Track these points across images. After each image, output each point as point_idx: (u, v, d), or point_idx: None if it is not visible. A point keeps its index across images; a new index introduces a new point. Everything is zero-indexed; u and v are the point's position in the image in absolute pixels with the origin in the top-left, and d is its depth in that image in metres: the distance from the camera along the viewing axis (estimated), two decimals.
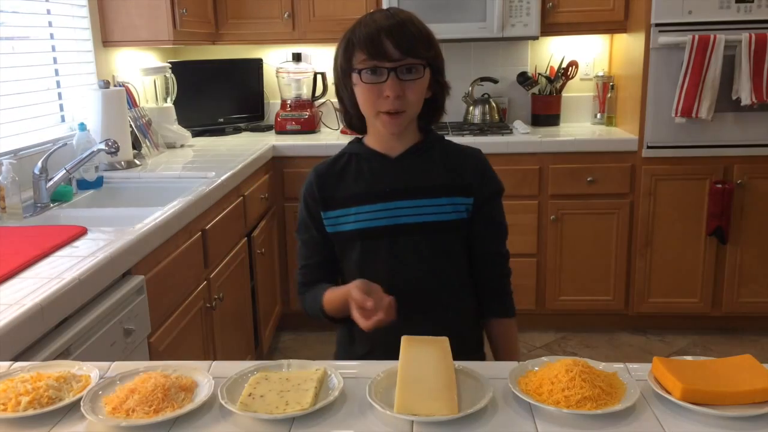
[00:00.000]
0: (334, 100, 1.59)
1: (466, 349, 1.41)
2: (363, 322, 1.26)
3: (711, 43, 2.95)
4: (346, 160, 1.46)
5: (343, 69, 1.37)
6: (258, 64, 3.80)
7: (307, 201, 1.47)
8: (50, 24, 2.63)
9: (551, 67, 3.69)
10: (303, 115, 3.60)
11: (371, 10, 1.54)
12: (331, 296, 1.41)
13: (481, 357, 1.57)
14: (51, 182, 2.19)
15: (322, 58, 3.73)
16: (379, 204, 1.40)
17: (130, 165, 2.71)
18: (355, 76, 1.35)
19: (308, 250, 1.49)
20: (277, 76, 3.71)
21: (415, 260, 1.40)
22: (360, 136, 1.49)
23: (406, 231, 1.39)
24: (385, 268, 1.40)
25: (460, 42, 3.63)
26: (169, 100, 3.36)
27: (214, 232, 2.33)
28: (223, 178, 2.45)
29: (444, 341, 1.08)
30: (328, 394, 0.97)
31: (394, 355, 1.08)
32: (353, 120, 1.44)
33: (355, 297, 1.26)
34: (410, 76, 1.32)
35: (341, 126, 3.56)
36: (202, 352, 2.24)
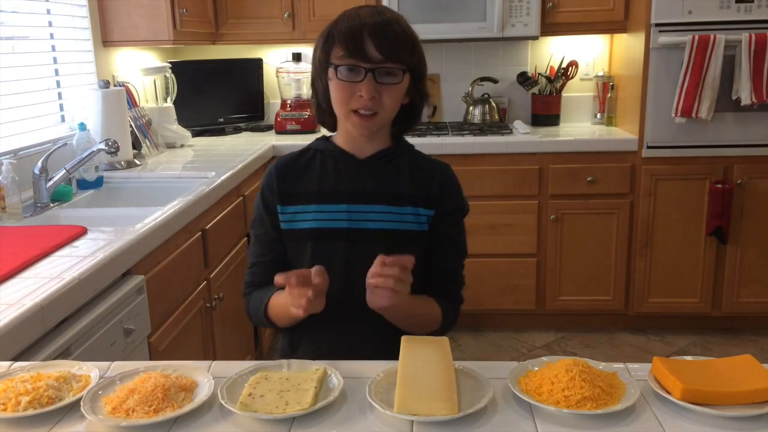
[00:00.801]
0: None
1: None
2: (296, 310, 1.18)
3: (711, 43, 2.95)
4: (311, 156, 1.40)
5: (321, 61, 1.31)
6: (258, 64, 3.80)
7: (264, 194, 1.40)
8: (50, 24, 2.63)
9: (551, 67, 3.69)
10: (303, 115, 3.60)
11: None
12: (277, 300, 1.34)
13: None
14: (51, 182, 2.19)
15: None
16: (340, 205, 1.34)
17: (130, 165, 2.71)
18: (331, 71, 1.29)
19: (261, 247, 1.42)
20: (277, 76, 3.71)
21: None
22: (329, 135, 1.43)
23: (364, 236, 1.33)
24: (340, 272, 1.31)
25: (460, 42, 3.63)
26: (169, 100, 3.36)
27: (214, 232, 2.33)
28: (223, 178, 2.45)
29: (444, 341, 1.08)
30: (328, 394, 0.97)
31: (341, 359, 1.06)
32: (325, 116, 1.38)
33: (276, 280, 1.17)
34: (388, 79, 1.27)
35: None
36: (202, 352, 2.24)
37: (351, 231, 1.34)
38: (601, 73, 3.66)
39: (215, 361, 1.10)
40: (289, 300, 1.19)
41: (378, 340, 1.28)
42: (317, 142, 1.43)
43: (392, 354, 1.07)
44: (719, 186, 3.11)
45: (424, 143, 3.15)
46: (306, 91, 3.67)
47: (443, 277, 1.41)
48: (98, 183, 2.47)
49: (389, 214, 1.34)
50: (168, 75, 3.35)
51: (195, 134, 3.51)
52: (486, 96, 3.68)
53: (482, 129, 3.43)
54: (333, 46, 1.28)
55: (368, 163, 1.37)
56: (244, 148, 3.14)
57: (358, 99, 1.27)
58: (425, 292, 1.38)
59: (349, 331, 1.34)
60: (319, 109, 1.39)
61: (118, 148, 2.33)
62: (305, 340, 1.40)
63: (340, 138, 1.40)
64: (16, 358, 1.20)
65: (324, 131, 1.46)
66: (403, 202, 1.35)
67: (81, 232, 1.73)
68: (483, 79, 3.65)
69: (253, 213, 1.45)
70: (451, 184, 1.41)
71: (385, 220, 1.34)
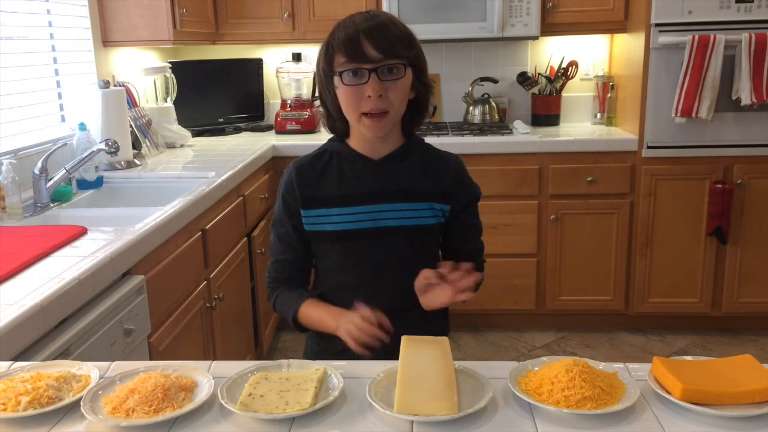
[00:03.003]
0: None
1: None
2: (351, 342, 1.28)
3: (711, 43, 2.95)
4: (327, 159, 1.46)
5: (325, 73, 1.36)
6: (258, 64, 3.80)
7: (285, 198, 1.45)
8: (50, 24, 2.63)
9: (551, 67, 3.69)
10: (303, 115, 3.60)
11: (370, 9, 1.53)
12: (310, 311, 1.42)
13: None
14: (51, 182, 2.19)
15: None
16: (361, 206, 1.40)
17: (130, 165, 2.71)
18: (336, 79, 1.34)
19: (283, 245, 1.48)
20: (277, 76, 3.71)
21: (395, 262, 1.41)
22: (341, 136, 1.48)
23: (387, 234, 1.40)
24: (366, 270, 1.42)
25: (460, 42, 3.63)
26: (169, 100, 3.36)
27: (214, 232, 2.33)
28: (223, 178, 2.45)
29: (444, 341, 1.08)
30: (328, 394, 0.97)
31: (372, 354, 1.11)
32: (336, 124, 1.44)
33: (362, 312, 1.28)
34: (391, 76, 1.32)
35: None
36: (202, 352, 2.24)
37: (374, 230, 1.41)
38: (601, 73, 3.66)
39: (215, 361, 1.10)
40: (348, 326, 1.28)
41: (406, 331, 1.30)
42: (332, 144, 1.48)
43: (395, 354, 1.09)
44: (719, 186, 3.11)
45: None
46: (306, 92, 3.67)
47: (469, 253, 1.51)
48: (98, 183, 2.47)
49: (408, 211, 1.41)
50: (168, 75, 3.35)
51: (195, 134, 3.51)
52: (486, 96, 3.68)
53: (482, 129, 3.43)
54: (334, 55, 1.33)
55: (383, 164, 1.43)
56: (244, 148, 3.14)
57: (366, 101, 1.32)
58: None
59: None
60: (330, 118, 1.44)
61: (118, 148, 2.33)
62: (334, 337, 1.41)
63: (354, 141, 1.45)
64: (16, 358, 1.20)
65: (324, 130, 1.49)
66: (420, 198, 1.42)
67: (81, 232, 1.73)
68: (483, 79, 3.65)
69: (274, 213, 1.50)
70: (463, 176, 1.49)
71: (405, 217, 1.41)
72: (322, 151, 1.48)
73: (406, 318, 1.36)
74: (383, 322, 1.27)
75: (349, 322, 1.29)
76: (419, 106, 1.43)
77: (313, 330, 1.46)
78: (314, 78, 3.66)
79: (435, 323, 1.49)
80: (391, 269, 1.41)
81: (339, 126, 1.44)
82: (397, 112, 1.37)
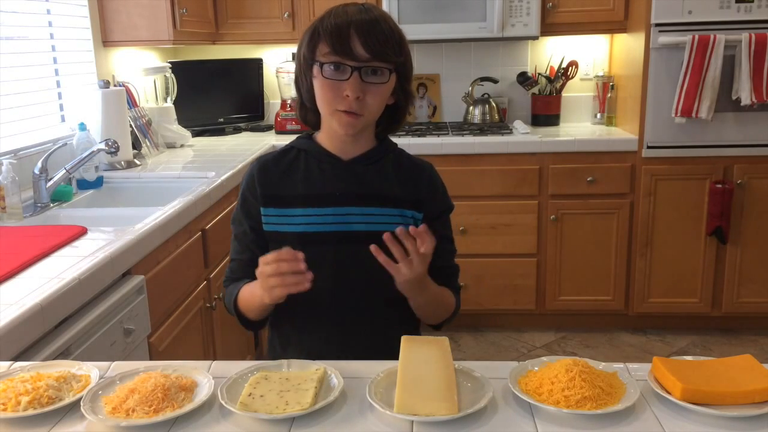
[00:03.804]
0: None
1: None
2: (274, 290, 1.16)
3: (711, 43, 2.94)
4: (294, 156, 1.37)
5: (306, 58, 1.28)
6: (258, 64, 3.80)
7: (245, 195, 1.37)
8: (50, 24, 2.63)
9: (551, 67, 3.69)
10: None
11: None
12: (243, 294, 1.32)
13: None
14: (51, 182, 2.19)
15: None
16: (327, 208, 1.32)
17: (130, 165, 2.71)
18: (316, 69, 1.26)
19: (240, 245, 1.39)
20: (277, 76, 3.71)
21: (360, 269, 1.28)
22: (311, 132, 1.40)
23: (353, 238, 1.30)
24: (329, 275, 1.29)
25: (460, 42, 3.63)
26: (169, 100, 3.36)
27: (214, 232, 2.33)
28: (223, 178, 2.45)
29: (444, 341, 1.08)
30: (328, 394, 0.97)
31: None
32: (308, 114, 1.36)
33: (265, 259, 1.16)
34: (374, 79, 1.24)
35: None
36: (202, 352, 2.24)
37: (339, 234, 1.32)
38: (601, 73, 3.66)
39: (215, 361, 1.10)
40: (264, 284, 1.17)
41: (368, 341, 1.29)
42: (300, 141, 1.39)
43: (384, 354, 1.08)
44: (719, 186, 3.11)
45: (424, 143, 3.15)
46: None
47: (442, 271, 1.41)
48: (98, 183, 2.47)
49: (376, 216, 1.33)
50: (168, 75, 3.35)
51: (195, 134, 3.51)
52: (486, 96, 3.68)
53: (482, 129, 3.43)
54: (318, 42, 1.25)
55: (353, 166, 1.35)
56: (244, 148, 3.14)
57: (343, 99, 1.24)
58: None
59: (340, 331, 1.34)
60: (302, 107, 1.37)
61: (118, 148, 2.33)
62: (295, 341, 1.39)
63: (323, 137, 1.37)
64: (16, 358, 1.20)
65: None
66: (389, 204, 1.34)
67: (81, 232, 1.73)
68: (483, 79, 3.65)
69: (234, 210, 1.43)
70: (438, 185, 1.40)
71: (372, 222, 1.32)
72: (289, 148, 1.39)
73: (371, 326, 1.32)
74: (289, 255, 1.15)
75: (262, 280, 1.18)
76: (397, 114, 1.36)
77: (255, 317, 1.35)
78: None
79: (402, 329, 1.36)
80: (355, 277, 1.30)
81: (310, 117, 1.36)
82: (373, 117, 1.30)
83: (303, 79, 1.31)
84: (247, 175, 1.38)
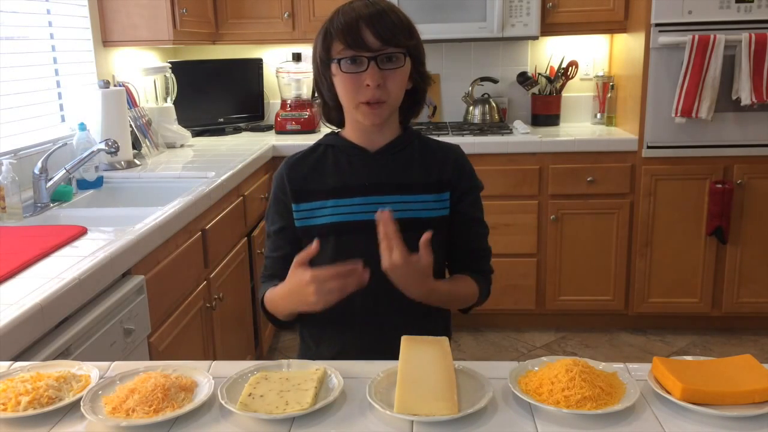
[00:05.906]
0: None
1: None
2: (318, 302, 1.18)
3: (711, 43, 2.94)
4: (321, 152, 1.42)
5: (322, 60, 1.32)
6: (258, 64, 3.80)
7: (276, 195, 1.41)
8: (50, 24, 2.63)
9: (551, 67, 3.69)
10: (303, 115, 3.60)
11: None
12: (272, 295, 1.34)
13: None
14: (51, 182, 2.19)
15: None
16: (357, 198, 1.35)
17: (130, 165, 2.71)
18: (334, 66, 1.30)
19: (274, 242, 1.43)
20: (277, 76, 3.71)
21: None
22: (337, 130, 1.44)
23: None
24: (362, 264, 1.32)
25: (460, 42, 3.63)
26: (169, 100, 3.36)
27: (214, 232, 2.33)
28: (223, 178, 2.45)
29: (444, 341, 1.08)
30: (328, 394, 0.97)
31: (365, 356, 1.09)
32: (332, 113, 1.40)
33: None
34: (391, 65, 1.29)
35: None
36: (202, 352, 2.24)
37: (370, 223, 1.30)
38: (601, 73, 3.66)
39: (215, 361, 1.10)
40: (312, 288, 1.18)
41: (401, 331, 1.28)
42: (327, 138, 1.44)
43: (394, 353, 1.08)
44: (719, 186, 3.11)
45: None
46: (306, 92, 3.67)
47: (472, 254, 1.45)
48: (98, 183, 2.47)
49: (405, 204, 1.36)
50: (168, 75, 3.34)
51: (195, 134, 3.51)
52: (486, 96, 3.68)
53: (482, 129, 3.43)
54: (332, 42, 1.30)
55: (380, 155, 1.39)
56: (244, 148, 3.14)
57: (365, 90, 1.28)
58: (457, 270, 1.44)
59: (377, 321, 1.36)
60: (325, 107, 1.41)
61: (118, 148, 2.33)
62: (329, 333, 1.41)
63: (349, 132, 1.40)
64: (16, 358, 1.20)
65: (324, 129, 1.46)
66: (418, 191, 1.37)
67: (81, 232, 1.73)
68: (483, 79, 3.65)
69: (267, 207, 1.46)
70: (465, 164, 1.44)
71: (402, 209, 1.34)
72: (316, 146, 1.44)
73: (405, 315, 1.34)
74: (346, 269, 1.17)
75: (317, 291, 1.18)
76: (417, 96, 1.40)
77: (285, 317, 1.37)
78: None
79: (436, 320, 1.45)
80: None
81: (334, 115, 1.40)
82: (395, 101, 1.34)
83: (323, 80, 1.36)
84: (277, 176, 1.42)
